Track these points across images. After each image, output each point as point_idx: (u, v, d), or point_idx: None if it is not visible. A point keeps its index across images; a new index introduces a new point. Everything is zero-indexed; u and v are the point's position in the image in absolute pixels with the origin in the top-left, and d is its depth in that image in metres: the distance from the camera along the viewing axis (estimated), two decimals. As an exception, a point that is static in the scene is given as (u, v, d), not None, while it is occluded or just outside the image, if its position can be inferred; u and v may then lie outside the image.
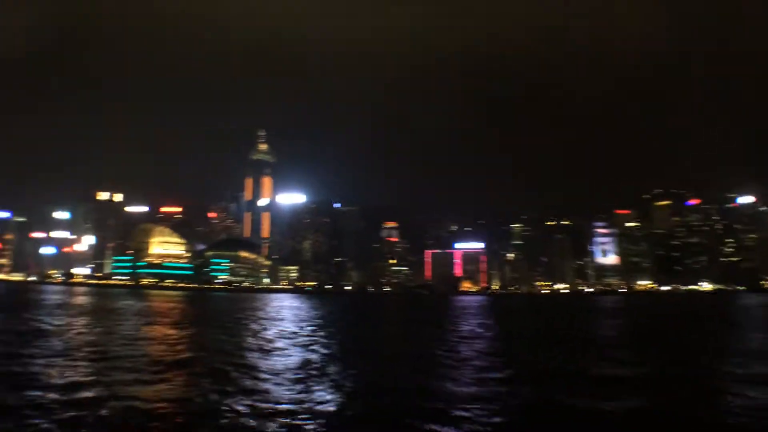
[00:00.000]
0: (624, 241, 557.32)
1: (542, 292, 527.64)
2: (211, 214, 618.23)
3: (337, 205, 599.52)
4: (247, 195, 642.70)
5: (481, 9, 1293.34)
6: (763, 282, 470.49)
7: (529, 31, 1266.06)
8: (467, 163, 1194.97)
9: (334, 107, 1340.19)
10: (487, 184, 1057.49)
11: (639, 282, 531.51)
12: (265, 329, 66.47)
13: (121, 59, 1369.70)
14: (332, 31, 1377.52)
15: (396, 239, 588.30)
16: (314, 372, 34.32)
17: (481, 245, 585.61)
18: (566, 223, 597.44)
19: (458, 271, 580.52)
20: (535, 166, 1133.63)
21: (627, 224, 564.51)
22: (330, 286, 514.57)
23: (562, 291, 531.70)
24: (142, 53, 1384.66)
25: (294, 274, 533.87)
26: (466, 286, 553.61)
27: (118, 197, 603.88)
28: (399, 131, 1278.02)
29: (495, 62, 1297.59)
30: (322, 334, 62.51)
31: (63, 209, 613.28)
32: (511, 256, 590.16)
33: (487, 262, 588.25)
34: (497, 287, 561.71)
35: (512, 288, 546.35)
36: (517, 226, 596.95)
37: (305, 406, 25.32)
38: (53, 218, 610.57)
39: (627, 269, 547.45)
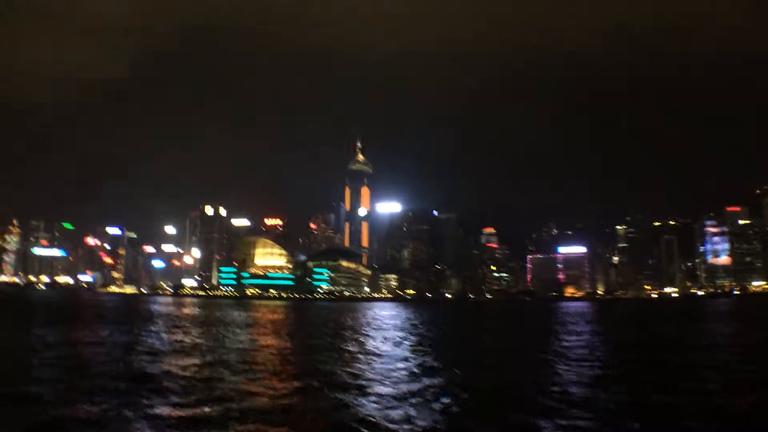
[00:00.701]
0: (736, 240, 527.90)
1: (650, 296, 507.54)
2: (311, 225, 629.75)
3: (434, 213, 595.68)
4: (346, 205, 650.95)
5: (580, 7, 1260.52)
6: None
7: (628, 29, 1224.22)
8: (567, 165, 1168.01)
9: (428, 113, 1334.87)
10: (589, 186, 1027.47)
11: (754, 283, 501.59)
12: (377, 337, 66.98)
13: (222, 76, 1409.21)
14: (426, 35, 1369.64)
15: (495, 245, 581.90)
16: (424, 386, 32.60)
17: (584, 249, 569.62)
18: (673, 222, 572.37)
19: (561, 276, 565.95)
20: (638, 165, 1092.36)
21: (739, 222, 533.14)
22: (430, 295, 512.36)
23: (671, 295, 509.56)
24: (242, 67, 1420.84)
25: (394, 283, 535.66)
26: (570, 291, 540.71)
27: (223, 211, 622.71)
28: (494, 134, 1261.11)
29: (595, 60, 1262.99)
30: (427, 344, 62.35)
31: (171, 224, 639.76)
32: (615, 259, 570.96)
33: (590, 266, 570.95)
34: (602, 292, 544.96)
35: (618, 292, 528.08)
36: (622, 228, 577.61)
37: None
38: (162, 233, 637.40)
39: (740, 270, 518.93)
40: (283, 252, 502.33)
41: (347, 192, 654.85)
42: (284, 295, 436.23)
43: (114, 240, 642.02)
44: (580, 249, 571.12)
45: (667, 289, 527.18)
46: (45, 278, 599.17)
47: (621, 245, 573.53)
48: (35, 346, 49.42)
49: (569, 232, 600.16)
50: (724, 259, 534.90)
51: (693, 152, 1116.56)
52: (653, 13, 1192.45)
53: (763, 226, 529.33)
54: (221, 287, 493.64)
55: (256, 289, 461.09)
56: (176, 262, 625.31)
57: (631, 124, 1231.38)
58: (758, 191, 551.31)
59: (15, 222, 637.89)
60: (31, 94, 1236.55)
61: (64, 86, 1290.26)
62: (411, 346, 57.48)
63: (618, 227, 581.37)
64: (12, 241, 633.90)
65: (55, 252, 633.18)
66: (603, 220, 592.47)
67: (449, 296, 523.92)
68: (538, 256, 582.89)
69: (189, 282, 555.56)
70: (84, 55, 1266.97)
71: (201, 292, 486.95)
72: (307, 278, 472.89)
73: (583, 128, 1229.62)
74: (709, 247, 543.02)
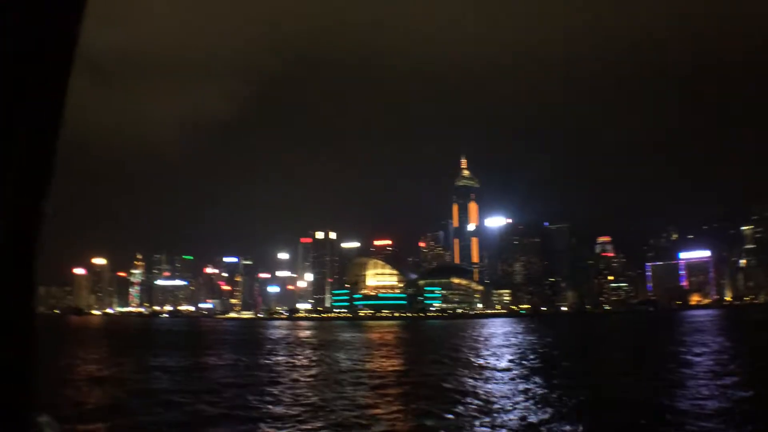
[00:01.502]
0: None
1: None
2: (420, 244, 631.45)
3: (545, 224, 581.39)
4: (455, 222, 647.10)
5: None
6: None
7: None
8: (683, 165, 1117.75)
9: (528, 122, 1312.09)
10: (709, 186, 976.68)
11: None
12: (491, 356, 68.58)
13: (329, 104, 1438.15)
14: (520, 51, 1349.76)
15: (611, 254, 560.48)
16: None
17: (708, 253, 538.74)
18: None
19: (684, 283, 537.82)
20: (757, 162, 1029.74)
21: None
22: (545, 308, 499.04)
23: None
24: (342, 97, 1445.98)
25: (507, 298, 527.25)
26: (695, 299, 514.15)
27: (333, 235, 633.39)
28: (600, 140, 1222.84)
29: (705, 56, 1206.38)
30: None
31: (284, 251, 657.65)
32: (743, 262, 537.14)
33: (716, 271, 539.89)
34: (730, 298, 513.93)
35: (748, 298, 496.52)
36: (748, 228, 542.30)
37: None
38: (276, 259, 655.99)
39: None
40: (394, 272, 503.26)
41: (455, 209, 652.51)
42: (396, 315, 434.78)
43: (231, 268, 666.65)
44: (704, 253, 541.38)
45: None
46: (168, 307, 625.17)
47: (748, 247, 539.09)
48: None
49: (690, 236, 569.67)
50: None
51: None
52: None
53: None
54: (334, 309, 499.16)
55: (369, 310, 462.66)
56: (290, 287, 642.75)
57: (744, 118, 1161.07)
58: None
59: (139, 256, 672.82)
60: (155, 135, 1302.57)
61: (185, 126, 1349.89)
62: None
63: (744, 228, 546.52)
64: (137, 274, 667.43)
65: (177, 282, 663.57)
66: (727, 221, 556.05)
67: (565, 309, 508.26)
68: (658, 263, 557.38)
69: (303, 305, 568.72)
70: (198, 97, 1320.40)
71: (315, 315, 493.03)
72: (419, 297, 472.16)
73: (700, 125, 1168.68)
74: None
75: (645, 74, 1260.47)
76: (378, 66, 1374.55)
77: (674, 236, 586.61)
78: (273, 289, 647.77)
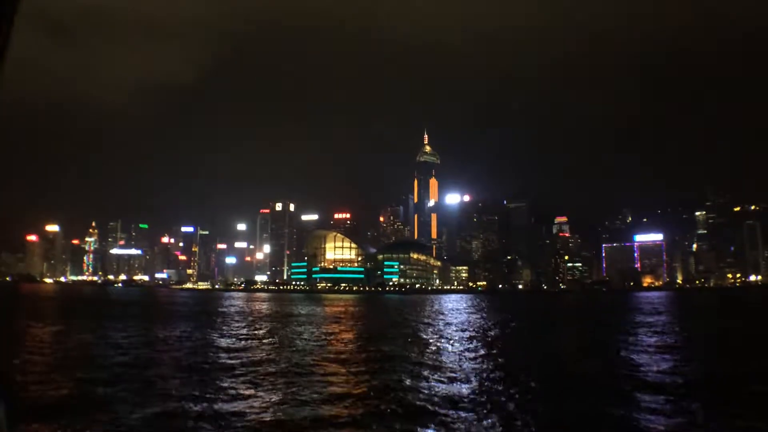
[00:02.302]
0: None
1: (734, 284, 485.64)
2: (380, 218, 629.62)
3: (504, 203, 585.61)
4: (415, 197, 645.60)
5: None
6: None
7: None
8: (640, 149, 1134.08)
9: (493, 103, 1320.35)
10: (663, 171, 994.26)
11: None
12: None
13: (299, 76, 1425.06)
14: (486, 30, 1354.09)
15: (568, 234, 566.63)
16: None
17: (661, 236, 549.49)
18: (755, 207, 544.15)
19: (637, 265, 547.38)
20: (715, 145, 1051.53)
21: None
22: (502, 286, 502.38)
23: (755, 283, 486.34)
24: (318, 68, 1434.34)
25: (464, 275, 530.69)
26: (648, 281, 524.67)
27: (292, 207, 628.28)
28: (562, 121, 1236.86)
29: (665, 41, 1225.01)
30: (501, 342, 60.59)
31: (242, 221, 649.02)
32: (695, 246, 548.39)
33: (668, 255, 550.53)
34: (681, 281, 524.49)
35: (698, 282, 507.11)
36: (701, 214, 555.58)
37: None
38: (234, 230, 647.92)
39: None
40: (353, 246, 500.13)
41: (415, 184, 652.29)
42: (355, 289, 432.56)
43: (188, 238, 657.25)
44: (657, 237, 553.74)
45: (752, 278, 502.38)
46: (123, 276, 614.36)
47: (700, 232, 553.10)
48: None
49: (645, 220, 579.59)
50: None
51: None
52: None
53: None
54: (292, 282, 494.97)
55: (327, 283, 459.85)
56: (248, 258, 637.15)
57: (707, 108, 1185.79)
58: None
59: (93, 224, 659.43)
60: (109, 98, 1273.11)
61: (143, 90, 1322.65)
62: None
63: (697, 213, 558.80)
64: (91, 242, 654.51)
65: (132, 251, 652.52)
66: (680, 206, 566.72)
67: (521, 287, 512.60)
68: (613, 244, 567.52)
69: (260, 277, 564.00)
70: (162, 60, 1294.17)
71: (272, 287, 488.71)
72: (378, 271, 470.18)
73: (659, 111, 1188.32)
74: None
75: (612, 55, 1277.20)
76: (347, 36, 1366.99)
77: (629, 219, 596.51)
78: (230, 260, 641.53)
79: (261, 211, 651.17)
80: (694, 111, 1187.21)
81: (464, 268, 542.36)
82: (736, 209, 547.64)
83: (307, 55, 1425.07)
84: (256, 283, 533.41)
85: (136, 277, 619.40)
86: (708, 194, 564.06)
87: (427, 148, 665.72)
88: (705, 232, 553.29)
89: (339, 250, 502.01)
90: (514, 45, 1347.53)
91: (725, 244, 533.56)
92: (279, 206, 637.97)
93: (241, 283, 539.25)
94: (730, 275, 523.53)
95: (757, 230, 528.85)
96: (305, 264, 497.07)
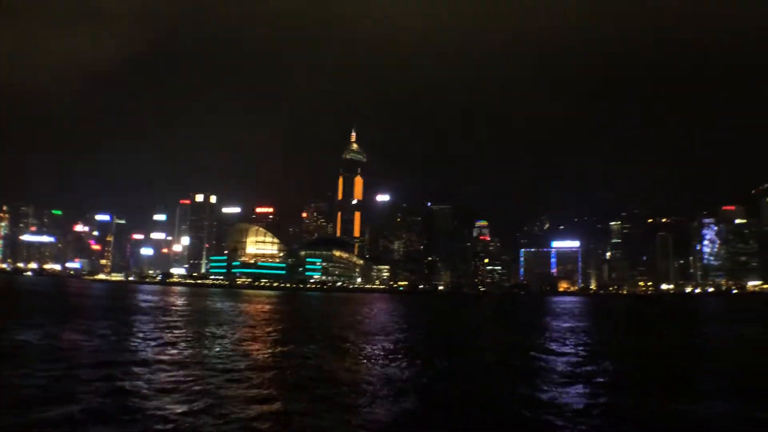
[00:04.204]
0: (732, 239, 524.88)
1: (646, 292, 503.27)
2: (303, 214, 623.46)
3: (428, 204, 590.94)
4: (339, 194, 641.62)
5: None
6: None
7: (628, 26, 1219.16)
8: (562, 159, 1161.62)
9: (423, 105, 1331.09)
10: (582, 181, 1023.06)
11: (750, 282, 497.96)
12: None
13: (214, 63, 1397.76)
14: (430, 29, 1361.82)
15: (488, 238, 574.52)
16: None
17: (578, 243, 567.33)
18: (666, 220, 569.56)
19: (554, 270, 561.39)
20: (633, 161, 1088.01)
21: (736, 221, 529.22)
22: (422, 286, 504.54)
23: (666, 291, 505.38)
24: (231, 54, 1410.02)
25: (386, 274, 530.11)
26: (563, 285, 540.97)
27: (213, 199, 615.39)
28: (489, 127, 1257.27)
29: (594, 55, 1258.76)
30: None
31: (161, 211, 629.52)
32: (609, 254, 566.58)
33: (584, 261, 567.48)
34: (595, 287, 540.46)
35: (611, 288, 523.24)
36: (616, 224, 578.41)
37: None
38: (151, 220, 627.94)
39: (735, 269, 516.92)
40: (275, 241, 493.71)
41: (340, 181, 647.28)
42: (275, 285, 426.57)
43: (103, 227, 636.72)
44: (574, 244, 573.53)
45: (664, 286, 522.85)
46: (33, 265, 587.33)
47: (614, 241, 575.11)
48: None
49: (562, 227, 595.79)
50: (719, 258, 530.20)
51: (688, 151, 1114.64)
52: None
53: (761, 226, 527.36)
54: (210, 276, 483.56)
55: (247, 278, 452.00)
56: (165, 250, 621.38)
57: (629, 121, 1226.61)
58: (754, 191, 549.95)
59: (4, 208, 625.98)
60: (29, 79, 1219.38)
61: (62, 72, 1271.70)
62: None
63: (612, 223, 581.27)
64: (1, 227, 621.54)
65: (44, 238, 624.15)
66: (597, 215, 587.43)
67: (441, 288, 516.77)
68: (531, 250, 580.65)
69: (178, 270, 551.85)
70: (83, 41, 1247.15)
71: (190, 281, 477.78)
72: (300, 268, 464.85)
73: (581, 123, 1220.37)
74: (705, 245, 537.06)
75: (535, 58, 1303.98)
76: (281, 27, 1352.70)
77: (547, 226, 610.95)
78: (146, 251, 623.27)
79: (181, 201, 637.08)
80: (617, 124, 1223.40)
81: (386, 267, 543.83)
82: (649, 221, 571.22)
83: (242, 42, 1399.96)
84: (172, 276, 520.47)
85: (47, 266, 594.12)
86: (623, 205, 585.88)
87: (354, 146, 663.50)
88: (619, 241, 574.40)
89: (260, 245, 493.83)
90: (444, 45, 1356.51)
91: (638, 253, 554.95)
92: (200, 197, 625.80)
93: (157, 275, 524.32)
94: (641, 283, 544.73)
95: (669, 242, 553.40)
96: (225, 258, 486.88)
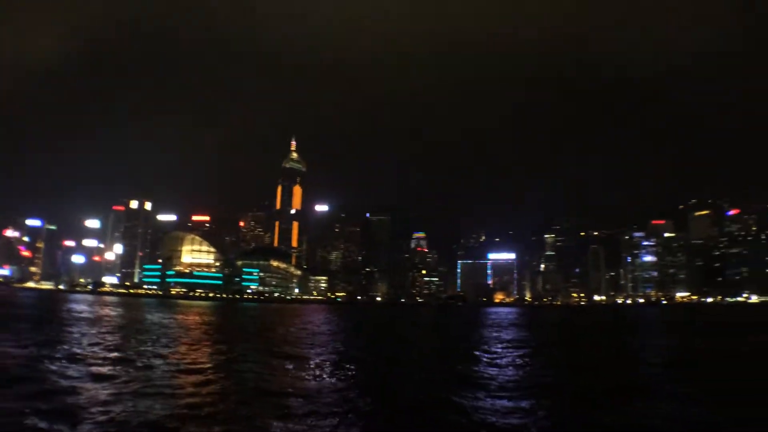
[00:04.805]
0: (661, 252, 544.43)
1: (580, 303, 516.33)
2: (240, 223, 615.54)
3: (367, 215, 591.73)
4: (277, 204, 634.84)
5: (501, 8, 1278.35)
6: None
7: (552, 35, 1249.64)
8: (497, 173, 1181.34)
9: (363, 116, 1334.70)
10: (518, 195, 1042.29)
11: (678, 294, 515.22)
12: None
13: (153, 67, 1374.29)
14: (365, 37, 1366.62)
15: (425, 249, 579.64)
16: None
17: (513, 255, 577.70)
18: (597, 233, 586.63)
19: (490, 281, 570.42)
20: (566, 177, 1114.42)
21: (665, 235, 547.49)
22: (360, 297, 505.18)
23: (599, 303, 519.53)
24: (172, 60, 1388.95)
25: (323, 285, 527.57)
26: (499, 297, 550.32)
27: (149, 206, 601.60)
28: (427, 141, 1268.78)
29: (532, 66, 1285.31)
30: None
31: (93, 218, 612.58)
32: (543, 267, 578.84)
33: (519, 273, 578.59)
34: (530, 298, 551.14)
35: (546, 299, 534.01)
36: (550, 237, 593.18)
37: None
38: (84, 226, 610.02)
39: (665, 281, 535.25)
40: (212, 250, 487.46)
41: (279, 190, 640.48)
42: (211, 295, 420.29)
43: (33, 233, 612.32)
44: (509, 256, 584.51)
45: (596, 297, 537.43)
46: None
47: (548, 253, 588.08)
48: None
49: (498, 239, 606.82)
50: (649, 270, 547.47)
51: (619, 166, 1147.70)
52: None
53: (688, 240, 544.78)
54: (144, 285, 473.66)
55: (182, 289, 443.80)
56: (97, 258, 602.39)
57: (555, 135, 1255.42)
58: (682, 206, 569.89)
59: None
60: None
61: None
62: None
63: (546, 236, 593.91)
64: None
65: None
66: (534, 228, 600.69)
67: (379, 299, 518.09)
68: (468, 261, 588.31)
69: (110, 279, 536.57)
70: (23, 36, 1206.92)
71: (122, 291, 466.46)
72: (236, 278, 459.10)
73: (507, 137, 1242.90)
74: (635, 258, 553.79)
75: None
76: (219, 35, 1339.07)
77: (483, 238, 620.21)
78: (78, 258, 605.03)
79: (114, 207, 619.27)
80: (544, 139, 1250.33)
81: (324, 278, 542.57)
82: (581, 234, 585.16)
83: (179, 47, 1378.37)
84: (104, 285, 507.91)
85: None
86: (557, 219, 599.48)
87: (294, 155, 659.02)
88: (553, 253, 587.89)
89: (196, 254, 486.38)
90: (391, 56, 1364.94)
91: (571, 265, 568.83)
92: (134, 204, 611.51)
93: (89, 284, 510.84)
94: (575, 294, 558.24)
95: (600, 254, 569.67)
96: (159, 267, 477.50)
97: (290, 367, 42.35)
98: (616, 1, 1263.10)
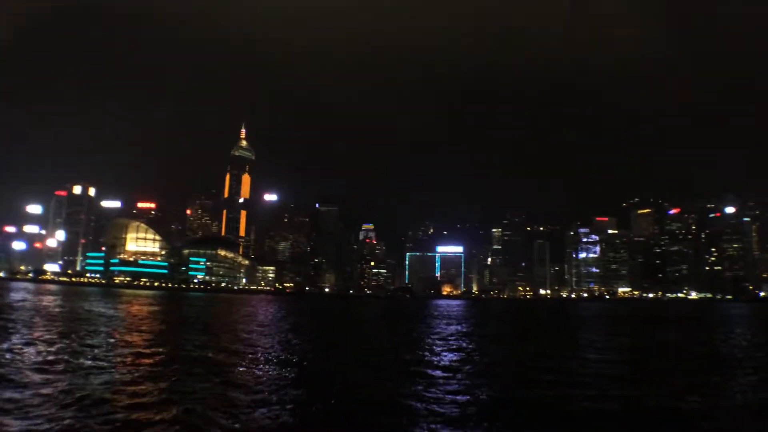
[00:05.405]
0: (605, 248, 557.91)
1: (525, 297, 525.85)
2: (187, 211, 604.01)
3: (317, 206, 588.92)
4: (225, 192, 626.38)
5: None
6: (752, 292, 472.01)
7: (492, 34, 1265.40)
8: (447, 167, 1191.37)
9: (315, 107, 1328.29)
10: (466, 189, 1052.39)
11: (620, 289, 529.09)
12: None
13: (97, 53, 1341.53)
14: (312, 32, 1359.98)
15: (374, 241, 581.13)
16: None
17: (461, 249, 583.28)
18: (543, 229, 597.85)
19: (438, 274, 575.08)
20: (515, 173, 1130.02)
21: (608, 231, 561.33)
22: (309, 288, 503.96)
23: (544, 296, 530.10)
24: (118, 46, 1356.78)
25: (271, 275, 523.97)
26: (447, 289, 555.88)
27: (92, 191, 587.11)
28: (379, 132, 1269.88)
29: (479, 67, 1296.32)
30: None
31: (35, 203, 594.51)
32: (490, 260, 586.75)
33: (466, 266, 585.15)
34: (477, 291, 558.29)
35: (493, 293, 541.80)
36: (498, 231, 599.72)
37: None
38: (25, 212, 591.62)
39: (608, 276, 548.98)
40: (157, 238, 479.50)
41: (227, 179, 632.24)
42: (156, 284, 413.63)
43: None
44: (457, 249, 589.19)
45: (542, 291, 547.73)
46: None
47: (495, 247, 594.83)
48: None
49: (446, 233, 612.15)
50: (593, 265, 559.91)
51: (564, 165, 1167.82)
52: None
53: (630, 237, 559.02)
54: (87, 274, 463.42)
55: (126, 277, 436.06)
56: (39, 245, 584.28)
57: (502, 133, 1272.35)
58: (625, 204, 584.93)
59: None
60: None
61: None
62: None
63: (494, 230, 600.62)
64: None
65: None
66: (482, 222, 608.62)
67: (328, 290, 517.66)
68: (417, 254, 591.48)
69: (51, 267, 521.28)
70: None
71: (64, 279, 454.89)
72: (182, 267, 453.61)
73: (459, 132, 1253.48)
74: (579, 253, 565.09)
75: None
76: (170, 20, 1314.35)
77: (431, 231, 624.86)
78: (18, 245, 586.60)
79: (57, 193, 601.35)
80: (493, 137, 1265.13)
81: (271, 268, 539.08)
82: (528, 229, 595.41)
83: (126, 30, 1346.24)
84: (45, 273, 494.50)
85: None
86: (505, 214, 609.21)
87: (244, 143, 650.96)
88: (500, 247, 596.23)
89: (141, 242, 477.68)
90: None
91: (517, 259, 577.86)
92: (78, 189, 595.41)
93: (29, 272, 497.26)
94: (521, 288, 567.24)
95: (546, 249, 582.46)
96: (103, 255, 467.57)
97: (234, 359, 42.02)
98: (561, 3, 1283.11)
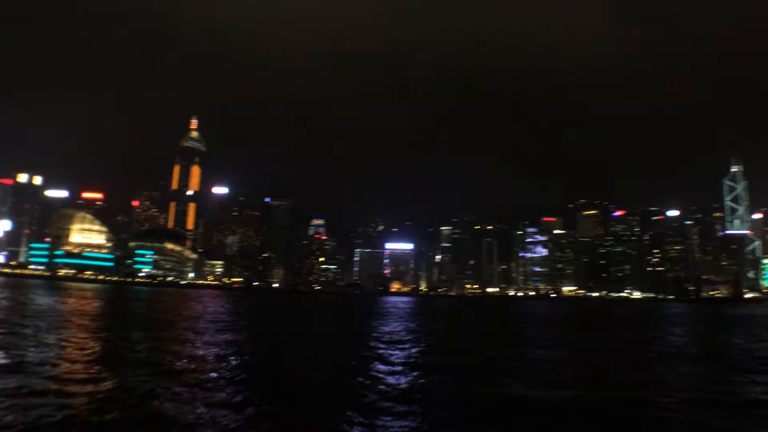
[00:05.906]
0: (551, 248, 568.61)
1: (473, 294, 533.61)
2: (134, 203, 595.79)
3: (267, 200, 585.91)
4: (174, 184, 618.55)
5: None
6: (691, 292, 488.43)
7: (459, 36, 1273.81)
8: (397, 164, 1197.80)
9: (266, 102, 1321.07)
10: (416, 186, 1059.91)
11: (565, 288, 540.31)
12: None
13: (47, 36, 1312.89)
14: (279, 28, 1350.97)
15: (324, 236, 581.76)
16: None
17: (411, 246, 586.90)
18: (492, 227, 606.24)
19: (387, 271, 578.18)
20: (464, 171, 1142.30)
21: (555, 231, 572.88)
22: (257, 283, 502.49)
23: (491, 294, 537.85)
24: (71, 31, 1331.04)
25: (219, 270, 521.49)
26: (396, 286, 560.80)
27: (38, 180, 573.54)
28: (329, 129, 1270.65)
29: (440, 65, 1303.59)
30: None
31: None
32: (438, 257, 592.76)
33: (415, 263, 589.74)
34: (425, 288, 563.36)
35: (441, 290, 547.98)
36: (446, 229, 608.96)
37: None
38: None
39: (554, 275, 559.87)
40: (103, 229, 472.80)
41: (176, 170, 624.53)
42: (101, 277, 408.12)
43: None
44: (407, 246, 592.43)
45: (489, 289, 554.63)
46: None
47: (444, 245, 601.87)
48: None
49: (395, 230, 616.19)
50: (539, 264, 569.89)
51: (515, 164, 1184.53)
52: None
53: (576, 237, 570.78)
54: (30, 265, 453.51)
55: (71, 269, 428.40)
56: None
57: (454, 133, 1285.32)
58: (572, 205, 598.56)
59: None
60: None
61: None
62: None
63: (443, 228, 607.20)
64: None
65: None
66: (431, 220, 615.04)
67: (276, 286, 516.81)
68: (366, 250, 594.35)
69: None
70: None
71: (6, 270, 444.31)
72: (128, 260, 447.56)
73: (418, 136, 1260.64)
74: (526, 252, 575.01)
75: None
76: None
77: (381, 227, 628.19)
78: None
79: (1, 181, 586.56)
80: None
81: (220, 262, 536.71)
82: (476, 227, 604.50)
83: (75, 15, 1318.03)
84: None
85: None
86: (454, 212, 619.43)
87: (194, 134, 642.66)
88: (449, 245, 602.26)
89: (87, 233, 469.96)
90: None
91: (466, 257, 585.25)
92: (23, 177, 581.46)
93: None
94: (469, 285, 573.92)
95: (494, 247, 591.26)
96: (47, 246, 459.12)
97: (180, 353, 42.23)
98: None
